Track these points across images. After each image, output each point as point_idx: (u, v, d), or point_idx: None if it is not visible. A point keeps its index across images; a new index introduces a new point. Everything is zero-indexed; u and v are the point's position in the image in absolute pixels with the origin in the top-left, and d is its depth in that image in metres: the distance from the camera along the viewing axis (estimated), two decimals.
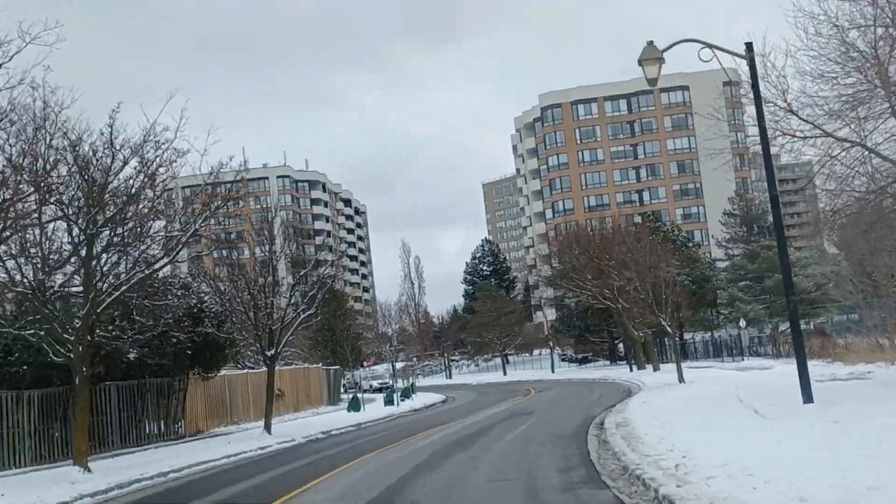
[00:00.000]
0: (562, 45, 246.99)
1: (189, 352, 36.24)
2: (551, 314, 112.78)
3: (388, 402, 51.88)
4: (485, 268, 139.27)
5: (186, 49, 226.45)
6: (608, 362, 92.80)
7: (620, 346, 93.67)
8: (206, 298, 37.75)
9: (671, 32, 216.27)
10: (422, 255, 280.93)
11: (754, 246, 74.34)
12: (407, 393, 59.37)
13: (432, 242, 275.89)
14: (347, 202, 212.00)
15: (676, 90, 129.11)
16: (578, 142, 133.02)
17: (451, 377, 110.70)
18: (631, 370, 64.78)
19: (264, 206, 69.45)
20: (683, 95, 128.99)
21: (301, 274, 35.66)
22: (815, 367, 39.47)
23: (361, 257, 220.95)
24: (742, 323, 59.65)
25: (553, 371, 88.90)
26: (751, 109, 22.09)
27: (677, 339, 75.47)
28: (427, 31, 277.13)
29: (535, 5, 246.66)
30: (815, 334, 60.96)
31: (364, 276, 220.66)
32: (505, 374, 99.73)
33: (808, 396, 20.44)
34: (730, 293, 70.98)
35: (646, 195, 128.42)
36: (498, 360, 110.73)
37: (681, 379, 38.68)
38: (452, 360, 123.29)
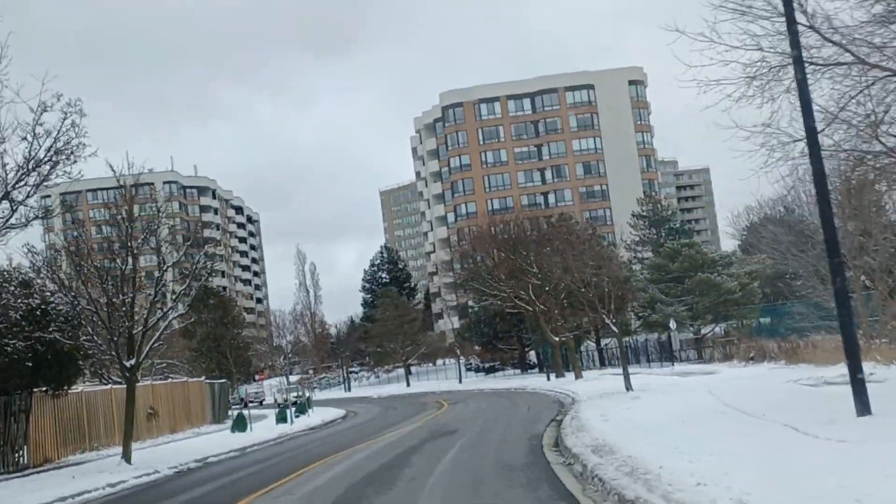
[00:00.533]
0: (459, 52, 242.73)
1: (29, 363, 29.08)
2: (456, 322, 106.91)
3: (281, 419, 45.37)
4: (384, 275, 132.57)
5: (70, 56, 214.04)
6: (518, 371, 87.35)
7: (531, 353, 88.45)
8: (52, 298, 30.49)
9: (565, 37, 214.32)
10: (319, 267, 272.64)
11: (675, 244, 69.72)
12: (302, 408, 52.80)
13: (329, 254, 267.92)
14: (239, 210, 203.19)
15: (582, 89, 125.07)
16: (481, 142, 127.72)
17: (350, 390, 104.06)
18: (549, 378, 59.23)
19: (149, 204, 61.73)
20: (589, 95, 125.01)
21: (168, 265, 28.65)
22: (777, 370, 34.57)
23: (255, 267, 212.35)
24: (672, 324, 54.60)
25: (461, 381, 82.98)
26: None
27: (595, 343, 70.35)
28: (320, 44, 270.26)
29: (429, 13, 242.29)
30: (736, 337, 56.63)
31: (258, 287, 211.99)
32: (408, 385, 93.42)
33: (863, 406, 14.79)
34: (651, 294, 66.15)
35: (551, 197, 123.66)
36: (400, 370, 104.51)
37: (628, 387, 32.93)
38: (351, 372, 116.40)
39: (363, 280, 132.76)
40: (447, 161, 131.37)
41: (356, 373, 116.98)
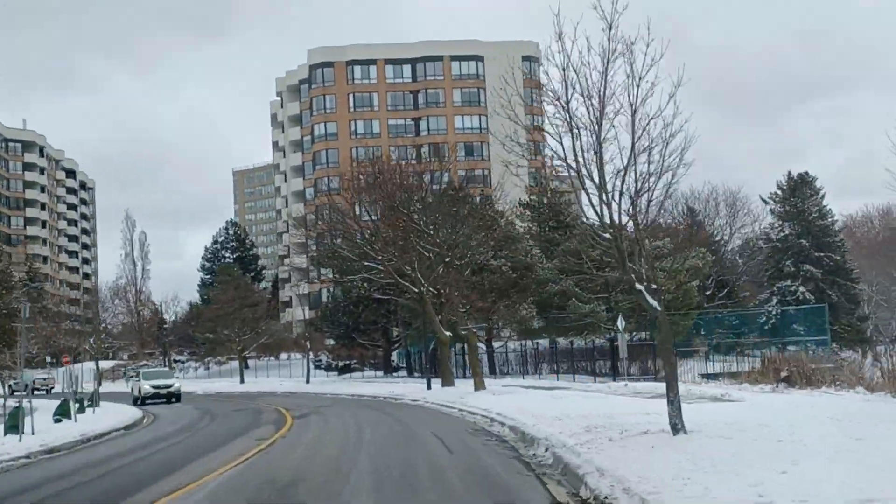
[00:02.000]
0: (334, 14, 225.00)
1: None
2: (308, 312, 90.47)
3: (62, 415, 32.34)
4: (227, 254, 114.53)
5: None
6: (381, 373, 71.87)
7: (400, 353, 73.42)
8: None
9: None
10: (168, 254, 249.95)
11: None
12: (84, 405, 36.89)
13: (179, 241, 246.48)
14: (71, 173, 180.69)
15: (469, 60, 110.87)
16: (352, 109, 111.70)
17: None
18: (429, 386, 43.77)
19: None
20: (477, 67, 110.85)
21: None
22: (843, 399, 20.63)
23: (85, 239, 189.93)
24: (620, 323, 40.08)
25: (308, 381, 66.80)
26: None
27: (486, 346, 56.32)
28: (194, 25, 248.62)
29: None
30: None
31: (86, 261, 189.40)
32: (242, 381, 76.61)
33: None
34: (561, 288, 51.84)
35: (426, 178, 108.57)
36: (236, 363, 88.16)
37: (677, 424, 15.88)
38: (177, 362, 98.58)
39: (203, 259, 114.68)
40: (310, 129, 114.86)
41: (182, 363, 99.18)
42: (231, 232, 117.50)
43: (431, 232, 41.37)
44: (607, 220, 16.33)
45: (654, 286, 16.27)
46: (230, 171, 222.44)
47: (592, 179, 16.21)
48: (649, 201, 16.50)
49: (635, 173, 15.99)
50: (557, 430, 17.79)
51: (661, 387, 18.20)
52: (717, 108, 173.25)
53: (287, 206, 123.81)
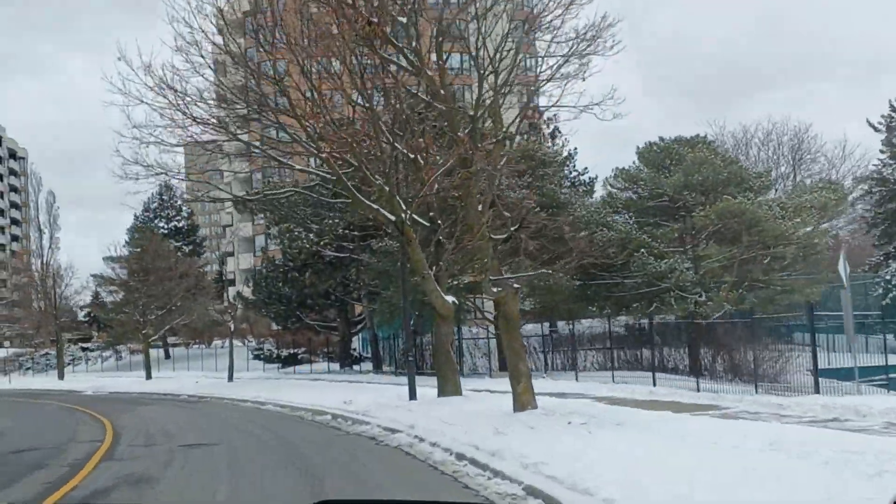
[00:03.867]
0: None
1: None
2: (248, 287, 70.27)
3: None
4: (162, 224, 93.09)
5: None
6: (336, 365, 51.88)
7: (367, 338, 54.17)
8: None
9: None
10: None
11: (666, 142, 36.13)
12: None
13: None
14: None
15: None
16: None
17: (62, 377, 66.60)
18: (413, 395, 24.02)
19: None
20: None
21: None
22: None
23: (14, 213, 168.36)
24: (843, 266, 20.08)
25: (231, 379, 46.64)
26: None
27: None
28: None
29: None
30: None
31: (15, 238, 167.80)
32: (149, 377, 56.46)
33: None
34: (625, 233, 32.53)
35: None
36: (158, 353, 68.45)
37: None
38: (85, 350, 78.85)
39: (127, 230, 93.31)
40: None
41: (90, 350, 78.99)
42: (166, 198, 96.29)
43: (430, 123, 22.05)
44: None
45: None
46: None
47: None
48: None
49: None
50: None
51: None
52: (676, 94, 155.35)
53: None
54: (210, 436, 19.64)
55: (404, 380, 26.50)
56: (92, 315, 74.86)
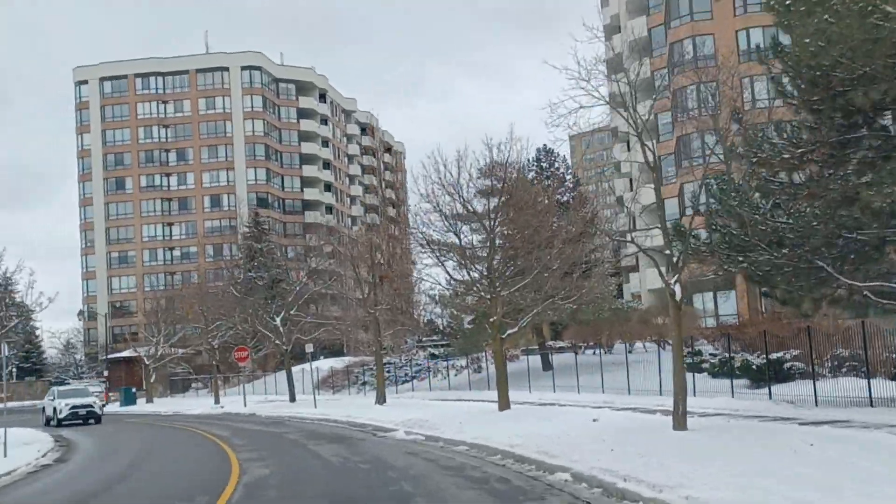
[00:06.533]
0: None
1: None
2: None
3: None
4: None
5: None
6: None
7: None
8: None
9: None
10: None
11: None
12: None
13: None
14: (350, 117, 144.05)
15: None
16: None
17: (383, 402, 43.60)
18: None
19: None
20: None
21: None
22: None
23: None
24: None
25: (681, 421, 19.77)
26: None
27: None
28: None
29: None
30: None
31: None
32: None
33: None
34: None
35: None
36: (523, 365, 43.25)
37: None
38: (434, 356, 56.02)
39: None
40: None
41: (438, 359, 55.67)
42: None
43: None
44: None
45: None
46: None
47: None
48: None
49: None
50: None
51: None
52: None
53: None
54: None
55: None
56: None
